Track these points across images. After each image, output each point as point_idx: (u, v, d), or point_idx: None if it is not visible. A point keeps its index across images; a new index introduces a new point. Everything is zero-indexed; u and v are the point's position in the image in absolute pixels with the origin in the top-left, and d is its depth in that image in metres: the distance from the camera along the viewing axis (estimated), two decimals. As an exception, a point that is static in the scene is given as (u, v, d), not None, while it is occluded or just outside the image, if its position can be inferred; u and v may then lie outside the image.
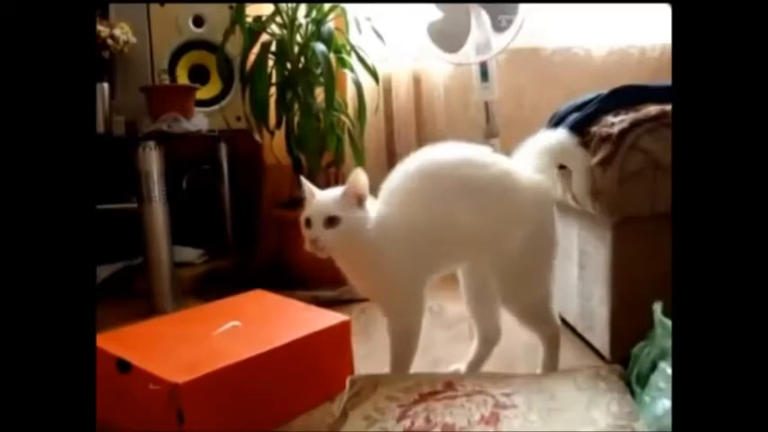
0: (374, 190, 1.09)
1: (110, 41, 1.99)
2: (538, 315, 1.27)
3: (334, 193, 1.15)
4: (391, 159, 2.55)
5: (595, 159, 1.30)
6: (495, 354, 1.47)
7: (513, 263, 1.20)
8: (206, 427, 1.05)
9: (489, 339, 1.35)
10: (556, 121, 1.54)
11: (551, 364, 1.27)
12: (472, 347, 1.36)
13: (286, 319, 1.35)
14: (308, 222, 1.12)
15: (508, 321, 1.72)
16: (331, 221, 1.11)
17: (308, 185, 1.18)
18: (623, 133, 1.25)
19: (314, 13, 2.15)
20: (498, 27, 2.23)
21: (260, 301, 1.47)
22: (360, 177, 1.13)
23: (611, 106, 1.37)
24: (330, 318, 1.34)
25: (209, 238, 2.38)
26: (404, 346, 1.21)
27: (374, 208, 1.16)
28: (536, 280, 1.25)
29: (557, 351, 1.28)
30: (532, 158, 1.26)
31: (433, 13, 2.28)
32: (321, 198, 1.15)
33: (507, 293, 1.23)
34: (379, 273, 1.17)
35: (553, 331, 1.28)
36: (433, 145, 1.22)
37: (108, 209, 2.15)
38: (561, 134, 1.31)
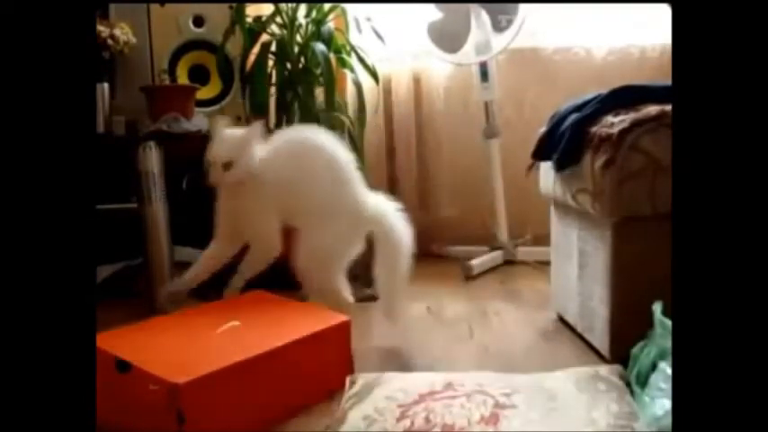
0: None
1: (110, 41, 1.99)
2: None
3: (233, 137, 1.50)
4: (391, 159, 2.55)
5: (597, 162, 1.30)
6: (495, 354, 1.47)
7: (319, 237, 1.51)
8: (206, 427, 1.05)
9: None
10: (556, 121, 1.54)
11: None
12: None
13: (286, 319, 1.35)
14: (210, 164, 1.47)
15: (509, 321, 1.73)
16: (227, 166, 1.46)
17: (217, 127, 1.52)
18: (623, 133, 1.25)
19: (314, 14, 2.15)
20: (498, 27, 2.23)
21: (260, 301, 1.47)
22: (257, 130, 1.51)
23: (611, 106, 1.37)
24: (330, 318, 1.34)
25: (209, 238, 2.37)
26: (259, 266, 1.57)
27: (259, 151, 1.51)
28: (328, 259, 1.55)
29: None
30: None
31: (433, 13, 2.28)
32: (220, 144, 1.49)
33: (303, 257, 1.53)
34: (254, 203, 1.51)
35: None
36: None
37: (108, 209, 2.14)
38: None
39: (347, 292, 1.60)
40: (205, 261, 1.60)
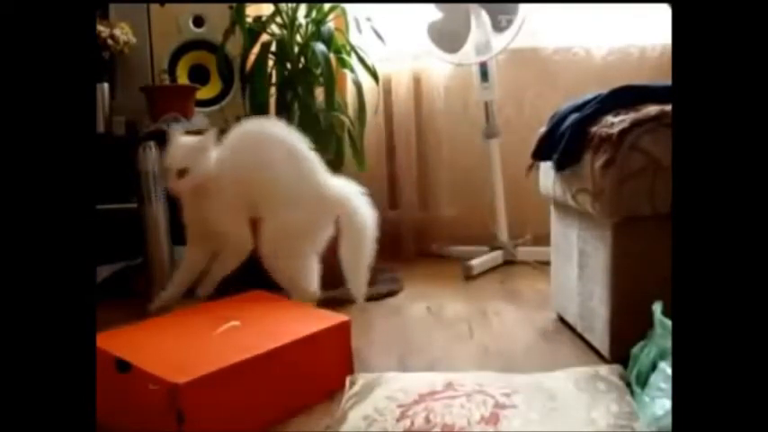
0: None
1: (110, 41, 1.99)
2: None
3: (188, 144, 1.53)
4: (391, 159, 2.55)
5: (597, 162, 1.30)
6: (495, 354, 1.47)
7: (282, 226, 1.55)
8: (206, 427, 1.05)
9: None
10: (556, 121, 1.54)
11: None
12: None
13: (286, 319, 1.35)
14: (165, 172, 1.51)
15: (509, 321, 1.73)
16: (182, 173, 1.49)
17: (172, 133, 1.54)
18: (623, 133, 1.25)
19: (314, 14, 2.15)
20: (498, 27, 2.23)
21: (260, 301, 1.47)
22: (212, 137, 1.54)
23: (611, 106, 1.37)
24: (330, 318, 1.34)
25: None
26: (232, 265, 1.60)
27: (214, 153, 1.54)
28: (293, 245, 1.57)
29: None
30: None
31: (433, 13, 2.28)
32: (176, 151, 1.51)
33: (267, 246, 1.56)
34: (219, 204, 1.54)
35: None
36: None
37: (108, 209, 2.14)
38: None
39: (314, 283, 1.62)
40: (183, 270, 1.63)
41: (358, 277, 1.59)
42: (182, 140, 1.54)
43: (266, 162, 1.55)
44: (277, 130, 1.61)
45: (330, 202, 1.58)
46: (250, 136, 1.59)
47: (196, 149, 1.52)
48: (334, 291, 1.94)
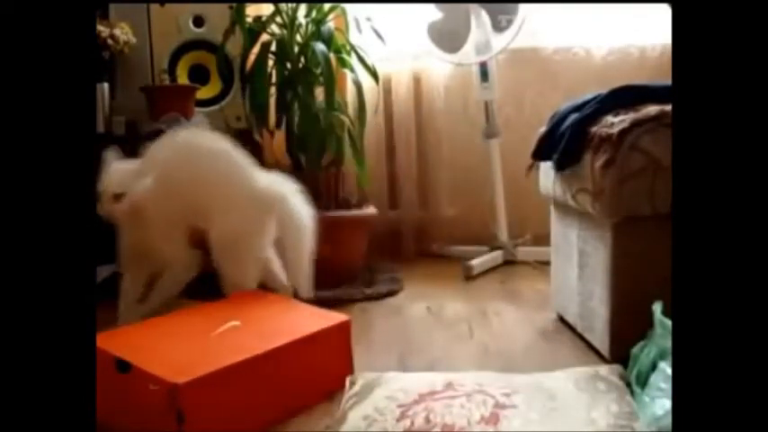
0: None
1: (110, 41, 1.99)
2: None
3: (123, 169, 1.50)
4: (391, 159, 2.55)
5: (597, 162, 1.30)
6: (495, 353, 1.47)
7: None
8: (206, 427, 1.05)
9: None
10: (556, 121, 1.54)
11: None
12: None
13: (286, 319, 1.35)
14: (100, 196, 1.46)
15: (509, 321, 1.73)
16: (117, 197, 1.46)
17: (108, 159, 1.51)
18: (623, 133, 1.25)
19: (314, 13, 2.14)
20: (498, 27, 2.23)
21: (260, 301, 1.47)
22: (149, 162, 1.51)
23: (611, 106, 1.37)
24: (330, 318, 1.34)
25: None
26: (175, 288, 1.56)
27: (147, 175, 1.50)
28: (240, 252, 1.55)
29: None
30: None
31: (433, 13, 2.28)
32: (111, 176, 1.48)
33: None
34: (157, 227, 1.51)
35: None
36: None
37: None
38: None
39: (284, 277, 1.61)
40: (123, 301, 1.60)
41: (300, 272, 1.57)
42: (117, 165, 1.51)
43: (198, 173, 1.53)
44: (202, 139, 1.60)
45: (265, 201, 1.56)
46: (177, 150, 1.57)
47: (132, 174, 1.50)
48: (333, 291, 1.94)
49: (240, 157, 1.58)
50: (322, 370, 1.27)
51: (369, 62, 2.21)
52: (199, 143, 1.58)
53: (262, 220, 1.56)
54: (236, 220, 1.53)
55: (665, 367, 0.99)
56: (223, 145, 1.58)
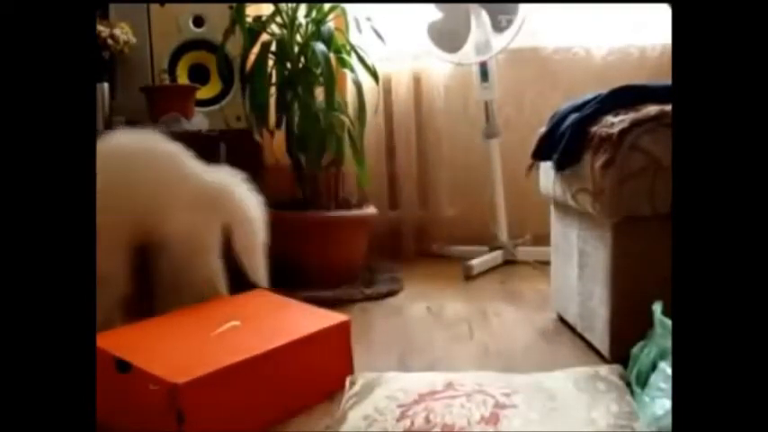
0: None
1: (110, 41, 1.99)
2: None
3: None
4: (391, 159, 2.55)
5: (597, 162, 1.30)
6: (495, 354, 1.47)
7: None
8: (206, 427, 1.05)
9: None
10: (556, 121, 1.54)
11: None
12: None
13: (286, 319, 1.35)
14: None
15: (509, 321, 1.73)
16: None
17: None
18: (623, 133, 1.25)
19: (314, 13, 2.14)
20: (498, 27, 2.23)
21: (260, 301, 1.47)
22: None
23: (611, 106, 1.37)
24: (330, 318, 1.34)
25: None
26: (107, 306, 1.44)
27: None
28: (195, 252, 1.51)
29: None
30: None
31: (433, 13, 2.28)
32: None
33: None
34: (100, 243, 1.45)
35: None
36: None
37: (108, 209, 2.14)
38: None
39: (222, 286, 1.58)
40: None
41: (254, 263, 1.55)
42: None
43: (141, 179, 1.48)
44: (139, 142, 1.55)
45: (213, 197, 1.54)
46: (115, 157, 1.49)
47: None
48: (333, 291, 1.95)
49: (181, 155, 1.55)
50: (322, 370, 1.27)
51: (369, 62, 2.21)
52: (139, 146, 1.53)
53: (212, 217, 1.54)
54: (187, 220, 1.50)
55: (665, 367, 0.99)
56: (164, 146, 1.54)
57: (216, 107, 2.23)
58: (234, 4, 2.12)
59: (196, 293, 1.49)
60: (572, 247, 1.53)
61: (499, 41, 2.23)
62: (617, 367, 1.15)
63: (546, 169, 1.64)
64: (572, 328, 1.56)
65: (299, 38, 2.15)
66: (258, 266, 1.56)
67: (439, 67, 2.48)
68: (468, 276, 2.17)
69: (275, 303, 1.46)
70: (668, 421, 0.91)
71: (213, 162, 1.79)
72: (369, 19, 2.26)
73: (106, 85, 2.05)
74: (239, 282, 1.61)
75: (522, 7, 2.19)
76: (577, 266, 1.50)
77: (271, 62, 2.09)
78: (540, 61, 2.47)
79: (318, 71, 2.08)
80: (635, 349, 1.13)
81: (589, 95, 1.48)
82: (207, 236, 1.55)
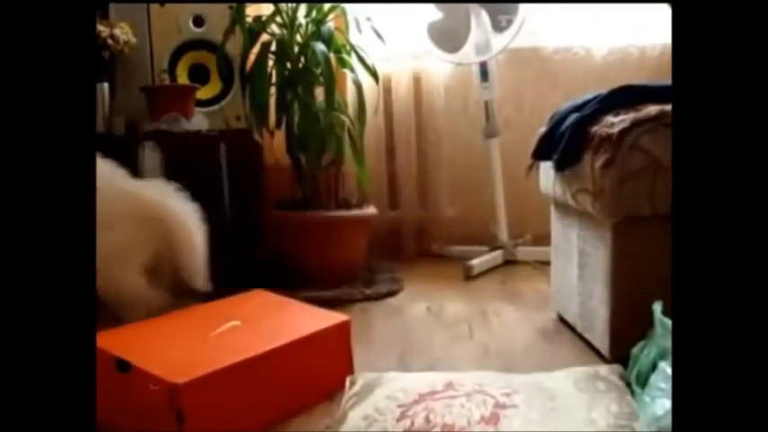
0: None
1: (110, 41, 1.99)
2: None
3: None
4: (391, 159, 2.55)
5: (597, 161, 1.30)
6: (495, 354, 1.47)
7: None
8: (206, 427, 1.05)
9: None
10: (556, 121, 1.54)
11: None
12: None
13: (286, 319, 1.35)
14: None
15: (509, 321, 1.73)
16: None
17: None
18: (623, 133, 1.25)
19: (314, 13, 2.14)
20: (498, 27, 2.23)
21: (260, 301, 1.47)
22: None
23: (611, 106, 1.37)
24: (330, 318, 1.34)
25: (208, 238, 2.37)
26: None
27: None
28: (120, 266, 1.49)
29: None
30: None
31: (433, 13, 2.28)
32: None
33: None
34: None
35: None
36: None
37: (108, 209, 2.14)
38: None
39: (150, 296, 1.56)
40: None
41: (194, 267, 1.56)
42: None
43: None
44: None
45: (147, 209, 1.53)
46: None
47: None
48: (333, 291, 1.95)
49: (113, 170, 1.54)
50: (322, 370, 1.27)
51: (369, 62, 2.21)
52: None
53: (144, 230, 1.53)
54: (118, 237, 1.47)
55: (665, 367, 0.99)
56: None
57: (216, 107, 2.23)
58: (234, 4, 2.12)
59: (127, 311, 1.46)
60: (572, 247, 1.53)
61: (499, 41, 2.23)
62: (617, 367, 1.14)
63: (546, 169, 1.64)
64: (572, 328, 1.56)
65: (299, 38, 2.15)
66: (198, 271, 1.56)
67: (439, 67, 2.48)
68: (469, 276, 2.17)
69: (275, 303, 1.46)
70: (668, 421, 0.91)
71: (213, 162, 1.79)
72: (369, 19, 2.25)
73: (106, 85, 2.05)
74: (240, 282, 1.61)
75: (522, 7, 2.19)
76: (577, 266, 1.49)
77: (271, 62, 2.09)
78: (540, 61, 2.47)
79: (318, 71, 2.08)
80: (635, 349, 1.13)
81: (589, 95, 1.48)
82: (130, 254, 1.53)
